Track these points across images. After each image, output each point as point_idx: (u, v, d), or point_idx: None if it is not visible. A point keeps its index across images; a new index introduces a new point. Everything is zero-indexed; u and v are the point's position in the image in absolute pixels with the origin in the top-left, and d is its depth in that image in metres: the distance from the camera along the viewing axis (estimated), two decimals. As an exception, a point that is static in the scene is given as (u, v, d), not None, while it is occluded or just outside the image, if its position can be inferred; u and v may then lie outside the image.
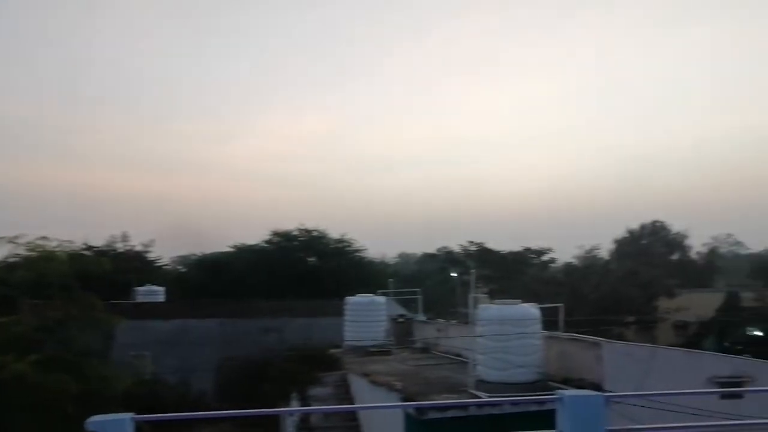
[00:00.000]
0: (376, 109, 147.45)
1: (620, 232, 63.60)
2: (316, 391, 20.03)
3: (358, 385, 19.80)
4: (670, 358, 16.14)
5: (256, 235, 67.22)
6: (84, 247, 41.82)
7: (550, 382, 15.72)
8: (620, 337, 36.76)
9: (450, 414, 13.86)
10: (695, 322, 43.90)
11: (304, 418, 18.94)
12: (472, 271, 21.47)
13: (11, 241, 17.54)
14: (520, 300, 16.75)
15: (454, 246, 58.09)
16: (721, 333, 40.91)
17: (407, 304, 31.13)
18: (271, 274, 46.04)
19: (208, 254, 55.99)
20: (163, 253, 56.72)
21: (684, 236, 64.10)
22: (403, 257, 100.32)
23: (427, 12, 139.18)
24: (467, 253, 56.11)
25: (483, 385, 15.65)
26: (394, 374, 18.98)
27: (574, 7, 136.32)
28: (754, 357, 22.79)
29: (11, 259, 17.99)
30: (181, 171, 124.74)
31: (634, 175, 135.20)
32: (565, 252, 59.76)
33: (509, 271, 50.59)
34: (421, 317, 27.75)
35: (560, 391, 5.57)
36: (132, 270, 43.15)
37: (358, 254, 53.19)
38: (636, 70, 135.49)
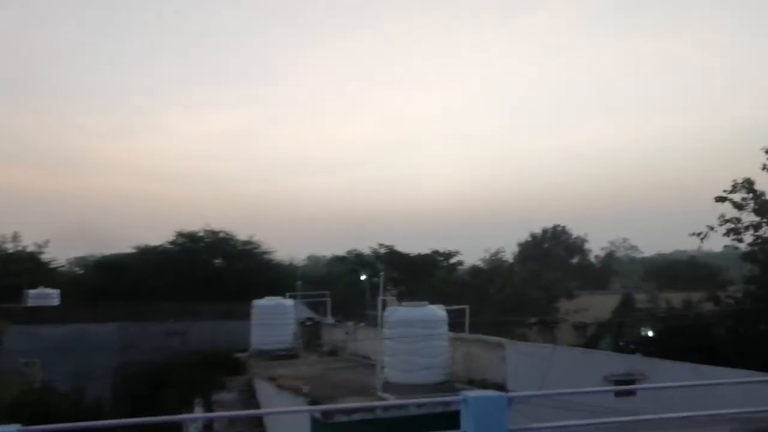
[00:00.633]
0: (287, 110, 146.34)
1: (524, 236, 65.73)
2: (220, 396, 19.49)
3: (264, 389, 19.42)
4: (569, 358, 16.73)
5: (159, 235, 64.92)
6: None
7: (456, 383, 15.93)
8: (523, 338, 37.86)
9: (357, 417, 13.78)
10: (593, 323, 45.77)
11: (208, 424, 18.39)
12: (381, 273, 21.50)
13: None
14: (427, 302, 16.90)
15: (364, 248, 58.25)
16: (616, 333, 42.83)
17: (316, 307, 30.88)
18: (175, 276, 44.61)
19: (108, 255, 53.64)
20: (59, 254, 54.07)
21: (583, 240, 67.03)
22: (313, 259, 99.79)
23: (341, 15, 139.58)
24: (377, 256, 56.30)
25: (390, 387, 15.68)
26: (301, 378, 18.74)
27: (485, 16, 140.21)
28: (646, 356, 24.00)
29: None
30: (79, 168, 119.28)
31: (538, 181, 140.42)
32: (472, 255, 61.14)
33: (418, 274, 51.12)
34: (330, 320, 27.58)
35: (464, 392, 5.58)
36: (23, 272, 40.78)
37: (266, 256, 52.41)
38: (543, 79, 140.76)
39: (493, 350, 16.48)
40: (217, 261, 50.96)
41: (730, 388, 13.98)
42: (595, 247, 72.26)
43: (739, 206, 31.52)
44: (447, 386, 15.36)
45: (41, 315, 32.93)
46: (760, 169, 31.20)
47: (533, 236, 65.48)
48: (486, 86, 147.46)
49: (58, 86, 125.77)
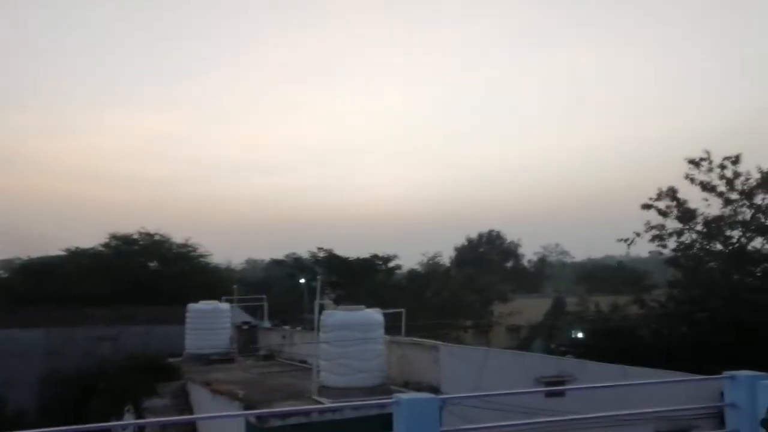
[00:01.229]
0: (227, 111, 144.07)
1: (461, 241, 66.69)
2: (152, 402, 19.07)
3: (199, 394, 19.13)
4: (502, 360, 17.13)
5: (92, 238, 63.01)
6: None
7: (392, 386, 16.08)
8: (459, 341, 38.45)
9: (292, 421, 13.75)
10: (526, 326, 46.88)
11: (139, 431, 17.97)
12: (318, 277, 21.50)
13: None
14: (363, 306, 17.01)
15: (303, 252, 57.90)
16: (548, 336, 43.98)
17: (253, 310, 30.58)
18: (107, 279, 43.28)
19: (36, 258, 51.61)
20: (-18, 257, 51.71)
21: (517, 245, 68.46)
22: (251, 263, 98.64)
23: (284, 16, 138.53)
24: (315, 260, 56.03)
25: (326, 391, 15.71)
26: (237, 383, 18.56)
27: (430, 25, 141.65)
28: (576, 357, 24.76)
29: None
30: (10, 167, 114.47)
31: (475, 187, 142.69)
32: (410, 259, 61.63)
33: (356, 278, 51.14)
34: (267, 324, 27.37)
35: (397, 394, 5.70)
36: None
37: (202, 259, 51.46)
38: (481, 88, 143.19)
39: (428, 353, 16.71)
40: (152, 264, 49.74)
41: (654, 387, 14.59)
42: (529, 252, 74.05)
43: (663, 214, 32.92)
44: (383, 389, 15.49)
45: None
46: (684, 178, 32.72)
47: (469, 241, 66.51)
48: (427, 93, 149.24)
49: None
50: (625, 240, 34.19)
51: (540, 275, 75.30)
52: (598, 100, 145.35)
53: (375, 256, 54.40)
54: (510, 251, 67.66)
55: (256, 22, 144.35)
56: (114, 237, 49.30)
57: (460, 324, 45.82)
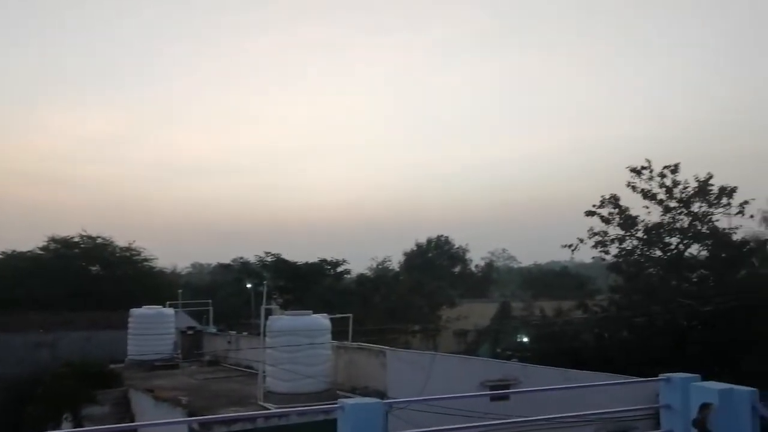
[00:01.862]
0: (173, 113, 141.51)
1: (410, 246, 67.02)
2: (91, 410, 18.54)
3: (141, 401, 18.70)
4: (449, 364, 17.27)
5: (30, 241, 60.86)
6: None
7: (339, 391, 16.04)
8: (407, 345, 38.60)
9: (236, 427, 13.58)
10: (473, 330, 47.39)
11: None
12: (265, 282, 21.34)
13: None
14: (310, 311, 16.93)
15: (250, 257, 57.27)
16: (494, 340, 44.56)
17: (199, 315, 30.08)
18: (46, 283, 41.91)
19: (-31, 261, 49.62)
20: None
21: (465, 250, 69.18)
22: (197, 267, 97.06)
23: (235, 20, 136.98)
24: (263, 264, 55.51)
25: (272, 396, 15.56)
26: (181, 389, 18.23)
27: (379, 30, 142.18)
28: (521, 361, 25.17)
29: None
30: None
31: (424, 192, 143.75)
32: (360, 264, 61.61)
33: (305, 282, 50.87)
34: (212, 329, 26.96)
35: (341, 399, 5.69)
36: None
37: (146, 263, 50.37)
38: (429, 94, 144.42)
39: (375, 358, 16.74)
40: (94, 268, 48.42)
41: (596, 390, 14.93)
42: (477, 257, 74.90)
43: (606, 220, 33.78)
44: (329, 394, 15.44)
45: None
46: (626, 186, 33.66)
47: (418, 246, 66.90)
48: (376, 98, 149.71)
49: None
50: (570, 246, 34.95)
51: (487, 280, 76.25)
52: (547, 107, 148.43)
53: (324, 261, 54.23)
54: (458, 256, 68.35)
55: (201, 23, 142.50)
56: (53, 240, 47.85)
57: (409, 329, 46.02)
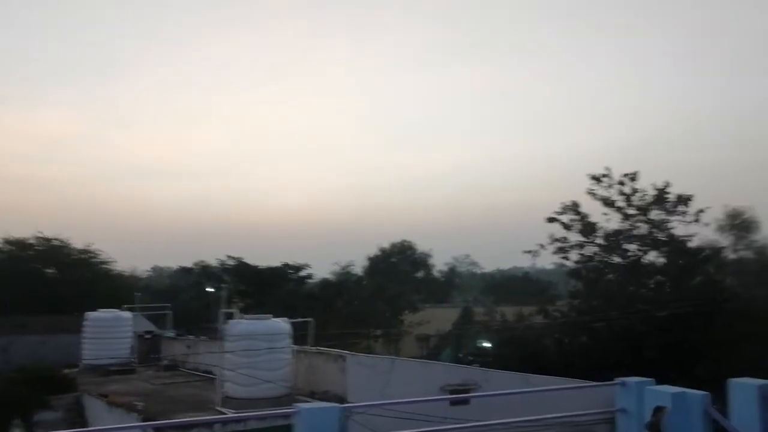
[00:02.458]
0: (133, 113, 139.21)
1: (374, 250, 66.90)
2: (43, 416, 18.05)
3: (94, 407, 18.26)
4: (409, 369, 17.24)
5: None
6: None
7: (298, 396, 15.89)
8: (369, 350, 38.53)
9: (193, 433, 13.33)
10: (435, 335, 47.53)
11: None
12: (223, 285, 21.05)
13: None
14: (270, 315, 16.75)
15: (212, 260, 56.55)
16: (456, 345, 44.74)
17: (158, 319, 29.57)
18: (0, 286, 40.75)
19: None
20: None
21: (428, 255, 69.30)
22: (157, 270, 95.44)
23: (198, 22, 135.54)
24: (224, 268, 54.86)
25: (230, 402, 15.33)
26: (136, 394, 17.86)
27: (344, 35, 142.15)
28: (483, 366, 25.29)
29: None
30: None
31: (389, 197, 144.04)
32: (323, 268, 61.26)
33: (267, 287, 50.40)
34: (170, 333, 26.50)
35: (297, 404, 5.63)
36: None
37: (104, 266, 49.34)
38: (395, 100, 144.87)
39: (334, 362, 16.62)
40: (50, 271, 47.25)
41: (556, 394, 15.02)
42: (439, 263, 75.08)
43: (567, 227, 34.21)
44: (289, 399, 15.27)
45: None
46: (586, 193, 34.15)
47: (382, 251, 66.79)
48: (340, 103, 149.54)
49: None
50: (530, 252, 35.31)
51: (450, 285, 76.48)
52: (512, 115, 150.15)
53: (286, 265, 53.84)
54: (421, 261, 68.47)
55: (164, 25, 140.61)
56: (7, 242, 46.65)
57: (371, 333, 45.93)
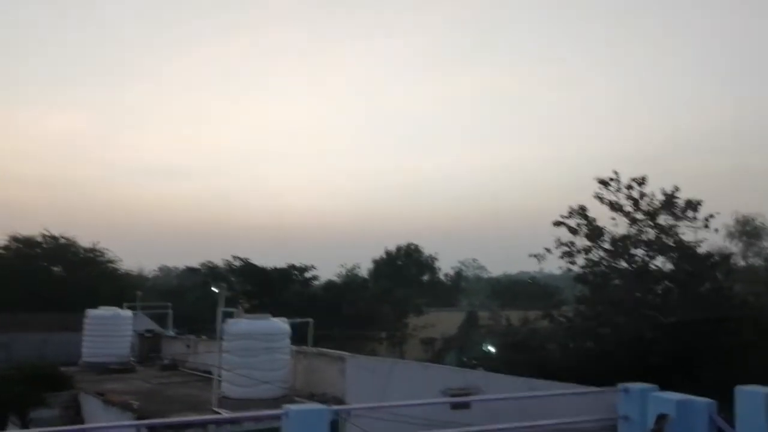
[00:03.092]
0: (141, 114, 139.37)
1: (380, 252, 66.70)
2: (39, 413, 17.88)
3: (91, 405, 18.09)
4: (408, 372, 16.98)
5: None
6: None
7: (296, 398, 15.66)
8: (373, 352, 38.29)
9: (187, 433, 13.13)
10: (440, 338, 47.28)
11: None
12: (223, 285, 20.85)
13: None
14: (269, 315, 16.54)
15: (218, 261, 56.55)
16: (461, 348, 44.49)
17: (162, 318, 29.44)
18: (5, 284, 40.78)
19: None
20: None
21: (434, 259, 69.02)
22: (164, 270, 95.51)
23: (202, 20, 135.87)
24: (231, 269, 54.85)
25: (226, 402, 15.12)
26: (134, 393, 17.69)
27: (350, 36, 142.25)
28: (487, 370, 25.02)
29: None
30: None
31: (396, 200, 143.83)
32: (329, 270, 61.09)
33: (272, 288, 50.30)
34: (171, 332, 26.34)
35: (286, 405, 5.43)
36: None
37: (111, 265, 49.38)
38: (402, 103, 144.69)
39: (334, 364, 16.38)
40: (57, 269, 47.31)
41: (558, 399, 14.74)
42: (446, 266, 74.71)
43: (573, 231, 33.87)
44: (286, 401, 15.04)
45: None
46: (594, 198, 33.82)
47: (388, 253, 66.56)
48: (349, 104, 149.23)
49: None
50: (536, 256, 35.01)
51: (456, 289, 76.08)
52: (520, 119, 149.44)
53: (292, 267, 53.75)
54: (427, 264, 68.18)
55: (168, 26, 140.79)
56: (14, 239, 46.70)
57: (376, 336, 45.69)
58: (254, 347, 15.06)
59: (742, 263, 39.99)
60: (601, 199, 33.57)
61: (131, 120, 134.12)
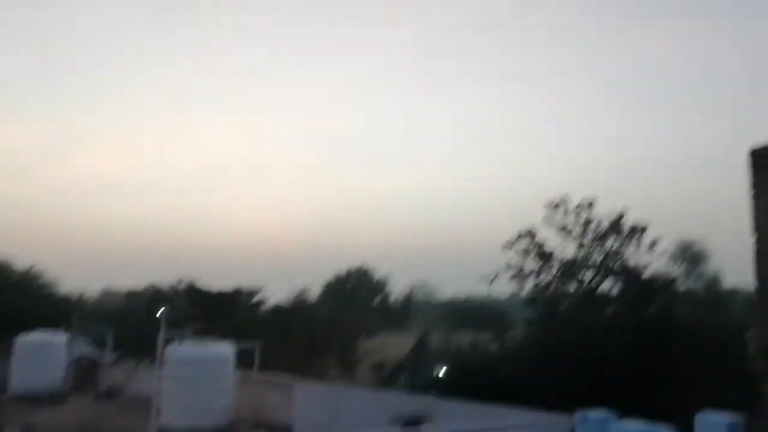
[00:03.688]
0: (86, 133, 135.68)
1: (330, 275, 66.05)
2: (-39, 448, 16.69)
3: (19, 439, 16.97)
4: (360, 398, 16.48)
5: None
6: None
7: (241, 427, 14.98)
8: (321, 378, 37.48)
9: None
10: (391, 363, 46.69)
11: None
12: (163, 308, 19.98)
13: None
14: (212, 340, 15.85)
15: (163, 283, 54.97)
16: (411, 373, 43.97)
17: (101, 344, 28.14)
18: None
19: None
20: None
21: (385, 282, 68.89)
22: (107, 294, 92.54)
23: (158, 39, 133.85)
24: (176, 291, 53.34)
25: (166, 433, 14.33)
26: (66, 425, 16.66)
27: (313, 54, 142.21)
28: (437, 395, 24.62)
29: None
30: None
31: (346, 222, 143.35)
32: (279, 293, 60.06)
33: (218, 311, 49.05)
34: (109, 359, 25.15)
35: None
36: None
37: (47, 288, 47.42)
38: (357, 125, 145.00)
39: (281, 391, 15.78)
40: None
41: (512, 425, 14.46)
42: (397, 289, 74.50)
43: (522, 254, 33.99)
44: (229, 430, 14.36)
45: None
46: (542, 221, 34.06)
47: (337, 277, 66.07)
48: (301, 125, 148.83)
49: None
50: (487, 278, 34.98)
51: (407, 312, 75.98)
52: (472, 141, 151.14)
53: (239, 290, 52.61)
54: (378, 288, 67.98)
55: (126, 42, 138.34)
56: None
57: (326, 361, 44.89)
58: (196, 374, 14.35)
59: (683, 287, 40.74)
60: (550, 222, 33.85)
61: (81, 137, 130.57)
